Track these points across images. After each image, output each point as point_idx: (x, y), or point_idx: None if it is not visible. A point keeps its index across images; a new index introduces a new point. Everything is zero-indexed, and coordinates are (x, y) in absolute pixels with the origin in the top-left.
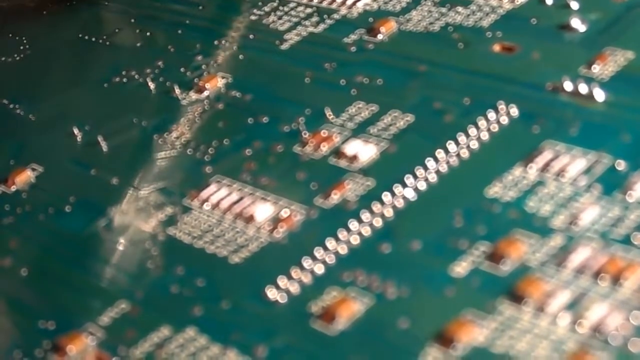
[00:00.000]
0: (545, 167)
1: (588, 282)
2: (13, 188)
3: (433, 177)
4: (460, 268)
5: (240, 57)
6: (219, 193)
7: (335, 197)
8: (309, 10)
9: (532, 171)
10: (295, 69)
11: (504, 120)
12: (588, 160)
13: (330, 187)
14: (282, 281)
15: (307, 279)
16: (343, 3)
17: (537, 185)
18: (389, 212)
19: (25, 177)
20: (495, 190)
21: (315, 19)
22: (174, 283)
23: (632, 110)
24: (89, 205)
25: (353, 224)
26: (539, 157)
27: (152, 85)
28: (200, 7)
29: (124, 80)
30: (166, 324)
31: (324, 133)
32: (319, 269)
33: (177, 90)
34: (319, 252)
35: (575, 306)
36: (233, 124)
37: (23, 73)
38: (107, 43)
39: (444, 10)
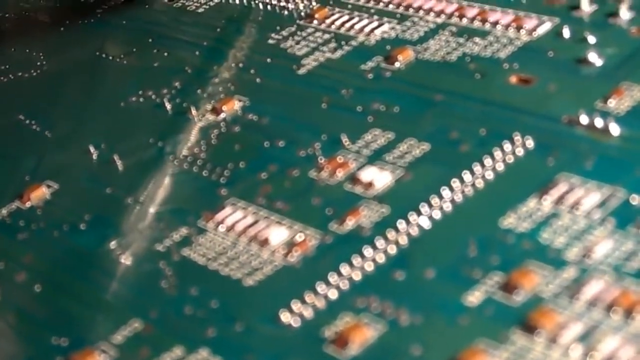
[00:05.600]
0: (559, 200)
1: (600, 315)
2: (28, 204)
3: (448, 206)
4: (474, 297)
5: (258, 80)
6: (234, 216)
7: (350, 223)
8: (327, 36)
9: (547, 203)
10: (312, 94)
11: (520, 151)
12: (602, 194)
13: (345, 213)
14: (295, 305)
15: (320, 303)
16: (361, 30)
17: (551, 217)
18: (403, 240)
19: (40, 193)
20: (509, 221)
21: (333, 45)
22: (188, 304)
23: None
24: (103, 223)
25: (367, 251)
26: (553, 190)
27: (168, 106)
28: (219, 30)
29: (141, 99)
30: (179, 345)
31: (339, 159)
32: (333, 294)
33: (194, 112)
34: (333, 278)
35: (587, 338)
36: (249, 147)
37: (39, 89)
38: (125, 62)
39: (461, 40)
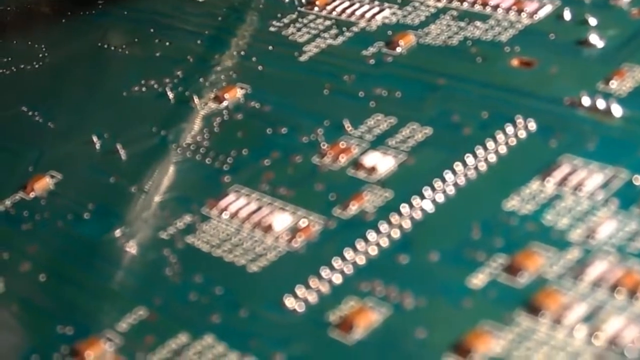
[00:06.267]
0: (562, 181)
1: (605, 295)
2: (32, 195)
3: (451, 190)
4: (478, 280)
5: (259, 68)
6: (238, 202)
7: (354, 208)
8: (327, 22)
9: (550, 185)
10: (314, 80)
11: (522, 134)
12: (605, 175)
13: (348, 198)
14: (300, 290)
15: (325, 288)
16: (362, 16)
17: (554, 199)
18: (406, 224)
19: (44, 184)
20: (512, 203)
21: (334, 31)
22: (192, 291)
23: None
24: (107, 213)
25: (371, 235)
26: (556, 171)
27: (171, 95)
28: (220, 18)
29: (143, 89)
30: (184, 331)
31: (342, 144)
32: (337, 279)
33: (196, 100)
34: (337, 262)
35: (591, 319)
36: (252, 134)
37: (42, 80)
38: (127, 52)
39: (462, 24)
